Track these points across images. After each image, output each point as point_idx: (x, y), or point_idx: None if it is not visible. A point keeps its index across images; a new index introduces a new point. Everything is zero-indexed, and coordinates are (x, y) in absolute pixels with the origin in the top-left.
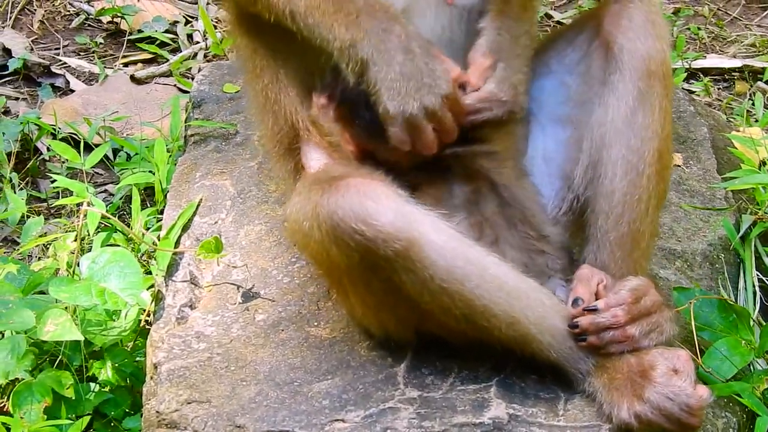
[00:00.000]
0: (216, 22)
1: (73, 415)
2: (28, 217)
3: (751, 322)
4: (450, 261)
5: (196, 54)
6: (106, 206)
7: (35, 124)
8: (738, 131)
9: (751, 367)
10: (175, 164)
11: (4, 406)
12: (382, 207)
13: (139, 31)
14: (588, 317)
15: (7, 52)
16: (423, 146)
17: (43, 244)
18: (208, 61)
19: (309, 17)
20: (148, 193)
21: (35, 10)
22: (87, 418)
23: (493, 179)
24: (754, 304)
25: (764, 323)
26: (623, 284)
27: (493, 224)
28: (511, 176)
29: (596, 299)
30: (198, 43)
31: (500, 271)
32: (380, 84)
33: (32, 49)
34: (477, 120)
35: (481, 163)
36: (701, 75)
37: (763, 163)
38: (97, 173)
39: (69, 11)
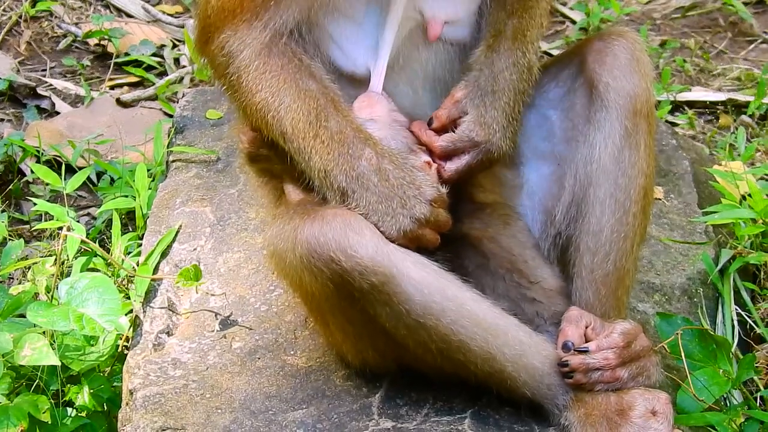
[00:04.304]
0: None
1: None
2: (10, 239)
3: (730, 355)
4: (427, 296)
5: (182, 78)
6: (88, 230)
7: (19, 146)
8: (720, 165)
9: (728, 401)
10: (157, 190)
11: None
12: (365, 240)
13: (126, 54)
14: (578, 357)
15: None
16: (427, 245)
17: (23, 268)
18: (195, 85)
19: (295, 141)
20: (131, 217)
21: (23, 31)
22: None
23: (475, 236)
24: (733, 338)
25: (741, 357)
26: (614, 327)
27: (478, 278)
28: (499, 225)
29: (585, 341)
30: (185, 67)
31: (478, 307)
32: (365, 209)
33: (18, 71)
34: (460, 169)
35: (465, 223)
36: (686, 107)
37: (743, 197)
38: (81, 196)
39: (56, 33)
